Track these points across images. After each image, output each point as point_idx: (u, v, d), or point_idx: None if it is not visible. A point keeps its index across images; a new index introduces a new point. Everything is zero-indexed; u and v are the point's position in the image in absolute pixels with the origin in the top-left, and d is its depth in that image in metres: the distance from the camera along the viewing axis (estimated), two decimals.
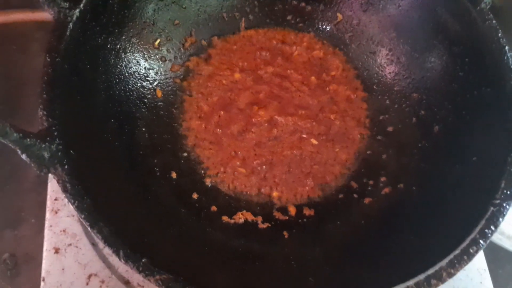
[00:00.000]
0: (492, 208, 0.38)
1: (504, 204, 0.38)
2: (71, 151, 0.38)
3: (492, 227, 0.38)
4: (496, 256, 0.68)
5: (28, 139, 0.36)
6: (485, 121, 0.46)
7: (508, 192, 0.39)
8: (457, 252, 0.37)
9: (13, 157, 0.40)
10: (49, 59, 0.41)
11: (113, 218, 0.37)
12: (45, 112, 0.38)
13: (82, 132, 0.42)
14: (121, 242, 0.35)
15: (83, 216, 0.36)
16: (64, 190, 0.36)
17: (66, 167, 0.37)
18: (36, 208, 0.65)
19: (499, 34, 0.47)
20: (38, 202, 0.65)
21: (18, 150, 0.36)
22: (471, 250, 0.37)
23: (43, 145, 0.37)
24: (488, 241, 0.37)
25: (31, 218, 0.66)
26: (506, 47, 0.46)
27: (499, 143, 0.43)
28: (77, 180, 0.37)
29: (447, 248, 0.37)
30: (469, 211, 0.40)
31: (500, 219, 0.38)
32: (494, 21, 0.47)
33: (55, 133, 0.38)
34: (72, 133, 0.40)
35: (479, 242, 0.37)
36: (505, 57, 0.46)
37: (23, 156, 0.36)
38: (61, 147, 0.37)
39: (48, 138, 0.37)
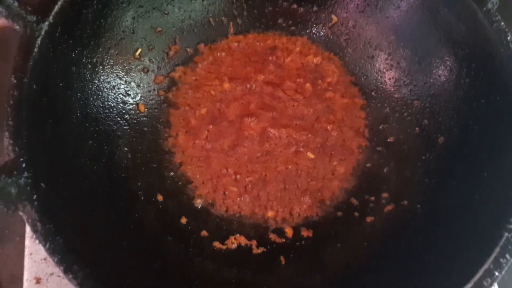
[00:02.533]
0: (506, 234, 0.35)
1: None
2: (41, 184, 0.35)
3: (508, 256, 0.35)
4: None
5: None
6: (494, 132, 0.43)
7: None
8: (469, 285, 0.34)
9: None
10: (15, 81, 0.37)
11: (90, 257, 0.34)
12: (11, 141, 0.35)
13: (54, 160, 0.39)
14: (100, 286, 0.32)
15: (55, 260, 0.32)
16: (34, 230, 0.33)
17: (35, 203, 0.33)
18: (21, 227, 0.62)
19: (508, 38, 0.43)
20: (22, 220, 0.62)
21: None
22: (485, 283, 0.34)
23: (10, 180, 0.33)
24: (503, 272, 0.34)
25: (15, 236, 0.63)
26: None
27: (511, 159, 0.40)
28: (48, 217, 0.33)
29: (458, 280, 0.34)
30: (481, 237, 0.37)
31: None
32: (502, 23, 0.44)
33: (23, 165, 0.34)
34: (43, 162, 0.36)
35: (494, 274, 0.34)
36: None
37: None
38: (30, 180, 0.34)
39: (15, 172, 0.33)
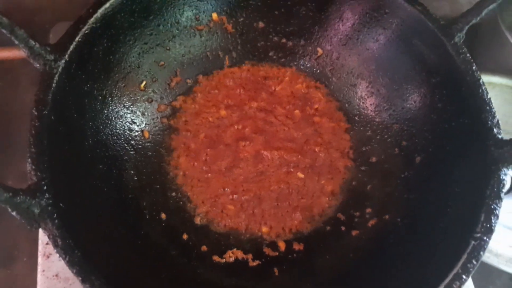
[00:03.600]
0: (473, 242, 0.40)
1: (485, 238, 0.39)
2: (60, 204, 0.38)
3: (474, 261, 0.39)
4: (486, 273, 0.69)
5: (18, 198, 0.36)
6: (464, 152, 0.47)
7: (488, 226, 0.40)
8: None
9: None
10: (36, 113, 0.41)
11: (105, 268, 0.38)
12: (33, 167, 0.39)
13: (70, 182, 0.43)
14: None
15: (74, 271, 0.36)
16: (55, 245, 0.37)
17: (56, 221, 0.37)
18: (29, 246, 0.65)
19: (474, 67, 0.48)
20: (30, 240, 0.65)
21: (8, 208, 0.36)
22: (454, 286, 0.38)
23: (33, 201, 0.37)
24: (470, 275, 0.38)
25: (23, 256, 0.66)
26: (481, 80, 0.48)
27: (478, 175, 0.44)
28: (67, 233, 0.37)
29: (431, 284, 0.38)
30: (452, 245, 0.41)
31: (481, 253, 0.39)
32: (468, 55, 0.49)
33: (45, 187, 0.38)
34: (61, 185, 0.40)
35: (462, 277, 0.38)
36: (480, 90, 0.47)
37: (14, 213, 0.37)
38: (50, 201, 0.37)
39: (37, 194, 0.37)
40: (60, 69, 0.44)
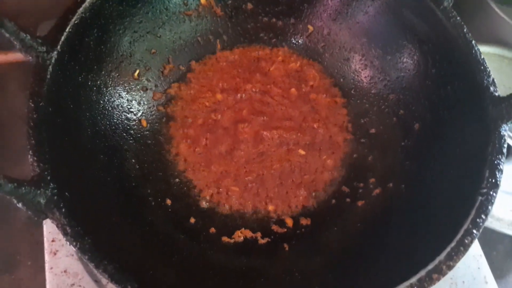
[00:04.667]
0: (480, 198, 0.40)
1: (491, 193, 0.40)
2: (66, 193, 0.38)
3: (483, 216, 0.39)
4: (488, 238, 0.70)
5: (23, 188, 0.35)
6: (461, 114, 0.48)
7: (493, 181, 0.40)
8: (453, 244, 0.38)
9: (1, 200, 0.40)
10: (32, 104, 0.41)
11: (115, 255, 0.37)
12: (35, 158, 0.38)
13: (73, 172, 0.42)
14: (127, 278, 0.35)
15: (86, 257, 0.36)
16: (65, 233, 0.36)
17: (63, 210, 0.37)
18: (32, 250, 0.64)
19: (465, 30, 0.48)
20: (32, 243, 0.64)
21: (14, 200, 0.36)
22: (466, 241, 0.38)
23: (38, 192, 0.37)
24: (481, 230, 0.39)
25: (27, 260, 0.65)
26: (473, 41, 0.48)
27: (478, 134, 0.44)
28: (76, 221, 0.37)
29: (443, 242, 0.38)
30: (459, 203, 0.41)
31: (489, 207, 0.39)
32: (458, 18, 0.49)
33: (48, 177, 0.38)
34: (65, 175, 0.40)
35: (473, 232, 0.38)
36: (473, 51, 0.47)
37: (20, 205, 0.36)
38: (56, 191, 0.37)
39: (42, 184, 0.37)
40: (53, 61, 0.43)
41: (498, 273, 0.66)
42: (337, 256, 0.48)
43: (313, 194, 0.54)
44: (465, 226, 0.39)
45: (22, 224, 0.66)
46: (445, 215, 0.42)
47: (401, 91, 0.56)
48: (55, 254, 0.52)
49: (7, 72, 0.75)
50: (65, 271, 0.51)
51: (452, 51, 0.49)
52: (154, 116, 0.57)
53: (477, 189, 0.41)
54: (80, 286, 0.51)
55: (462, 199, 0.41)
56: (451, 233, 0.39)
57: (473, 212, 0.39)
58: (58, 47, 0.44)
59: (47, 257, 0.52)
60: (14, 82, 0.75)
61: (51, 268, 0.52)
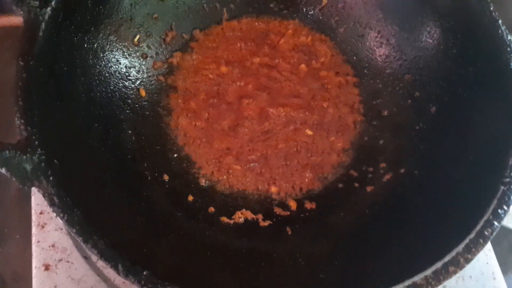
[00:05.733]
0: (502, 187, 0.37)
1: None
2: (55, 160, 0.35)
3: (505, 207, 0.36)
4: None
5: (7, 151, 0.33)
6: (483, 97, 0.45)
7: None
8: (472, 236, 0.35)
9: None
10: (22, 63, 0.37)
11: (107, 230, 0.35)
12: (22, 121, 0.35)
13: (64, 140, 0.39)
14: (118, 255, 0.33)
15: (74, 231, 0.33)
16: (52, 203, 0.34)
17: (51, 178, 0.34)
18: (21, 224, 0.61)
19: (491, 7, 0.45)
20: (21, 217, 0.62)
21: None
22: (486, 232, 0.35)
23: (24, 157, 0.34)
24: (502, 222, 0.36)
25: (15, 234, 0.63)
26: (500, 21, 0.45)
27: (502, 119, 0.42)
28: (64, 191, 0.34)
29: (461, 233, 0.36)
30: (479, 192, 0.39)
31: None
32: None
33: (36, 142, 0.35)
34: (54, 141, 0.37)
35: (493, 223, 0.36)
36: (500, 31, 0.44)
37: (3, 170, 0.33)
38: (43, 157, 0.34)
39: (28, 149, 0.34)
40: (46, 17, 0.40)
41: (502, 268, 0.64)
42: (344, 243, 0.45)
43: (319, 176, 0.51)
44: (485, 217, 0.36)
45: (11, 198, 0.64)
46: (464, 204, 0.39)
47: (418, 72, 0.53)
48: (42, 227, 0.49)
49: (1, 39, 0.71)
50: (53, 246, 0.49)
51: (476, 29, 0.46)
52: (153, 86, 0.53)
53: (499, 178, 0.38)
54: (68, 261, 0.48)
55: (483, 188, 0.39)
56: (470, 223, 0.36)
57: (494, 202, 0.37)
58: (53, 3, 0.41)
59: (34, 230, 0.50)
60: (7, 51, 0.71)
61: (38, 241, 0.49)
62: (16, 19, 0.66)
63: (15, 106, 0.36)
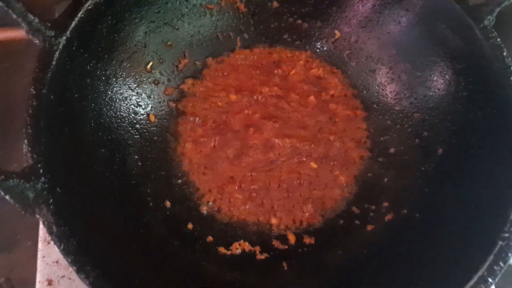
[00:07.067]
0: (500, 242, 0.37)
1: None
2: (57, 188, 0.36)
3: (501, 263, 0.36)
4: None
5: (11, 180, 0.34)
6: (490, 144, 0.44)
7: None
8: None
9: None
10: (34, 91, 0.39)
11: (102, 259, 0.36)
12: (29, 148, 0.37)
13: (69, 166, 0.41)
14: (109, 286, 0.34)
15: (69, 260, 0.34)
16: (50, 232, 0.35)
17: (51, 207, 0.35)
18: (32, 231, 0.63)
19: (504, 53, 0.45)
20: (33, 224, 0.64)
21: (0, 192, 0.34)
22: None
23: (28, 185, 0.35)
24: (497, 279, 0.35)
25: (27, 241, 0.65)
26: (511, 68, 0.44)
27: (506, 168, 0.41)
28: (63, 220, 0.35)
29: (453, 286, 0.35)
30: (477, 244, 0.38)
31: (510, 254, 0.36)
32: (498, 39, 0.46)
33: (41, 170, 0.36)
34: (59, 168, 0.38)
35: (488, 280, 0.35)
36: (511, 78, 0.44)
37: (7, 197, 0.35)
38: (46, 185, 0.35)
39: (32, 177, 0.35)
40: (60, 46, 0.42)
41: None
42: (338, 279, 0.45)
43: (321, 211, 0.51)
44: (479, 273, 0.36)
45: None
46: (459, 256, 0.39)
47: (427, 111, 0.52)
48: (48, 243, 0.51)
49: (24, 49, 0.73)
50: (57, 262, 0.50)
51: (488, 75, 0.46)
52: (163, 111, 0.54)
53: (498, 232, 0.37)
54: (70, 278, 0.49)
55: (481, 240, 0.38)
56: (463, 278, 0.36)
57: (490, 258, 0.36)
58: (68, 32, 0.42)
59: (40, 245, 0.51)
60: (30, 60, 0.74)
61: (44, 256, 0.51)
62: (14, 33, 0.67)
63: (24, 133, 0.38)
